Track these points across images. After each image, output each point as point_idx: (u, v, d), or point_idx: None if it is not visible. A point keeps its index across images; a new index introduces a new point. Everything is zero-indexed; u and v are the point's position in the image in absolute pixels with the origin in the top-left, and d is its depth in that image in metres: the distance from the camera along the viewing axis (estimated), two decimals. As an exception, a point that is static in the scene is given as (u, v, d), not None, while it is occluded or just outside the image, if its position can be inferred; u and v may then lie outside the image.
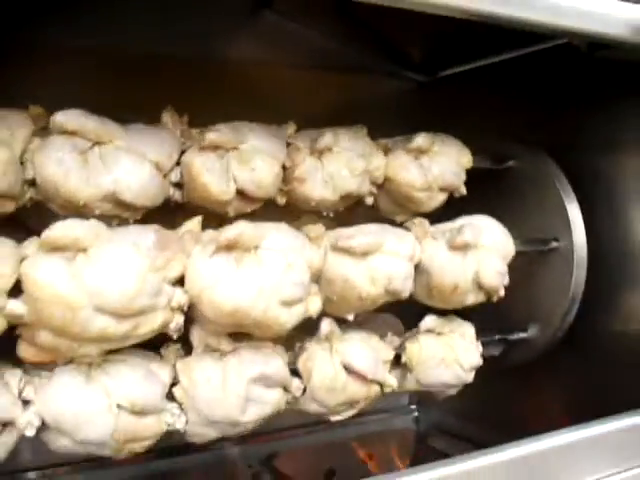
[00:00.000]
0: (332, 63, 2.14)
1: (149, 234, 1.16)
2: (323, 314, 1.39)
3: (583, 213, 1.77)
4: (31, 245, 1.11)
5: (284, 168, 1.46)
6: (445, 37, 1.93)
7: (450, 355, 1.55)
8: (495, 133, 1.89)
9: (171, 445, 1.35)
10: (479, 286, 1.53)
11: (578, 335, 1.85)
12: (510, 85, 1.99)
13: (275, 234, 1.24)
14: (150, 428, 1.19)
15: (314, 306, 1.29)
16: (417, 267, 1.47)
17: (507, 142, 1.88)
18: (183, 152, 1.37)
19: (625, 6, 1.38)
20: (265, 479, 1.97)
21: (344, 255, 1.35)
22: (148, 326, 1.14)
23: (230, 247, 1.17)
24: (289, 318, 1.23)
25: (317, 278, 1.33)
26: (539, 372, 1.96)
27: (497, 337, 1.78)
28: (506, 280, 1.58)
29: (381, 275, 1.37)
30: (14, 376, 1.15)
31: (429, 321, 1.60)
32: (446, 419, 2.24)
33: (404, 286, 1.41)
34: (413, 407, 2.33)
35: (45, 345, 1.11)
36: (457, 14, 1.19)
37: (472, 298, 1.55)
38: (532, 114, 1.95)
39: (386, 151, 1.62)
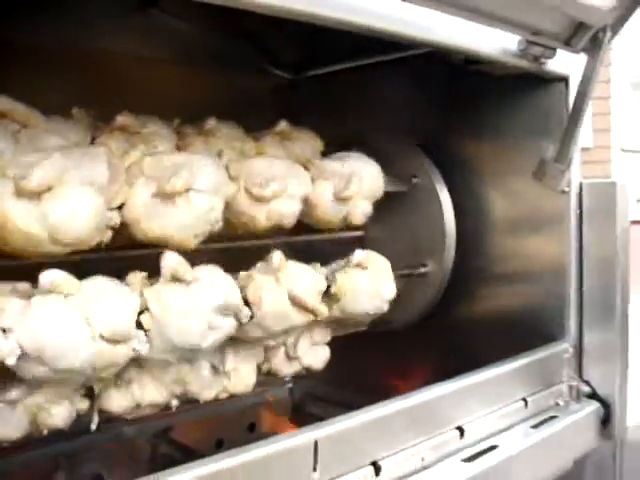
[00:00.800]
0: (209, 60, 2.27)
1: (102, 169, 1.33)
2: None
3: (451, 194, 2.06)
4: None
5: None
6: (317, 39, 2.09)
7: (373, 287, 1.76)
8: (371, 129, 2.09)
9: (73, 427, 1.41)
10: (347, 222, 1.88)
11: (444, 309, 2.16)
12: (385, 86, 2.22)
13: (205, 174, 1.47)
14: (122, 355, 1.30)
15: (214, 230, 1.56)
16: (306, 201, 1.77)
17: (383, 138, 2.12)
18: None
19: (496, 31, 1.66)
20: (163, 449, 2.08)
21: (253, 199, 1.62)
22: (85, 245, 1.35)
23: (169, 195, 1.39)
24: (197, 242, 1.52)
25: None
26: (406, 342, 2.23)
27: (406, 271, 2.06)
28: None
29: (277, 214, 1.67)
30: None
31: (358, 255, 1.80)
32: (318, 388, 2.44)
33: (291, 220, 1.73)
34: (287, 379, 2.51)
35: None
36: (316, 21, 1.36)
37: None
38: (406, 113, 2.21)
39: (256, 139, 1.82)
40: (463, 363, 1.83)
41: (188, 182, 1.42)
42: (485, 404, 1.77)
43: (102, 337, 1.24)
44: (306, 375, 1.93)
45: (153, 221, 1.42)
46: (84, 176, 1.31)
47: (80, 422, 1.45)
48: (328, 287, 1.73)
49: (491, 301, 2.20)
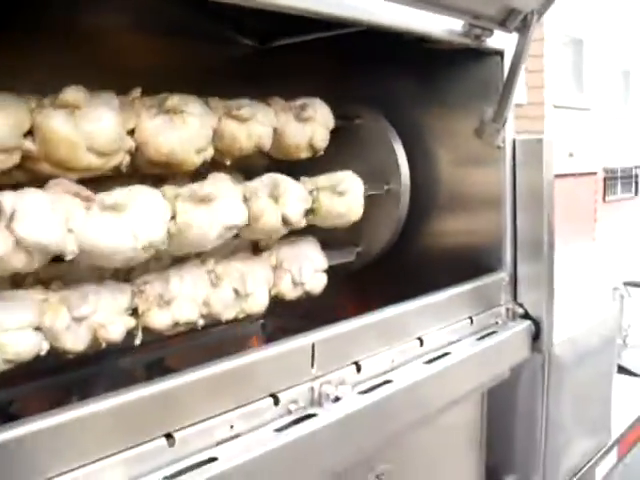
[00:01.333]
0: (177, 30, 2.52)
1: (114, 100, 1.74)
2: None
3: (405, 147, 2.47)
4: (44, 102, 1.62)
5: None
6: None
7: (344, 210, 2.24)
8: (334, 97, 2.44)
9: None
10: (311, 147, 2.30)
11: (399, 248, 2.57)
12: (345, 56, 2.57)
13: (192, 104, 1.90)
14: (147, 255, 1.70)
15: (209, 154, 1.98)
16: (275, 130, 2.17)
17: (348, 104, 2.50)
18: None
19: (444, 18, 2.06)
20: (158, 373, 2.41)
21: (234, 120, 2.03)
22: (113, 162, 1.73)
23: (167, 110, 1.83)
24: (197, 161, 1.92)
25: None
26: (368, 280, 2.63)
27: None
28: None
29: (256, 135, 2.10)
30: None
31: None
32: (289, 323, 2.79)
33: (267, 142, 2.15)
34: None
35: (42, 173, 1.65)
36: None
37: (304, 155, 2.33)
38: (365, 82, 2.59)
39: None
40: (419, 292, 2.24)
41: (180, 104, 1.86)
42: (439, 320, 2.19)
43: (142, 247, 1.63)
44: (277, 312, 2.30)
45: (160, 138, 1.81)
46: (102, 102, 1.69)
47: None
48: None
49: (439, 240, 2.63)
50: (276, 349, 1.72)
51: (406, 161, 2.51)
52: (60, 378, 2.27)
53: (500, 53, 2.38)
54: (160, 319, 1.80)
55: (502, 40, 2.34)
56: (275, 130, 2.17)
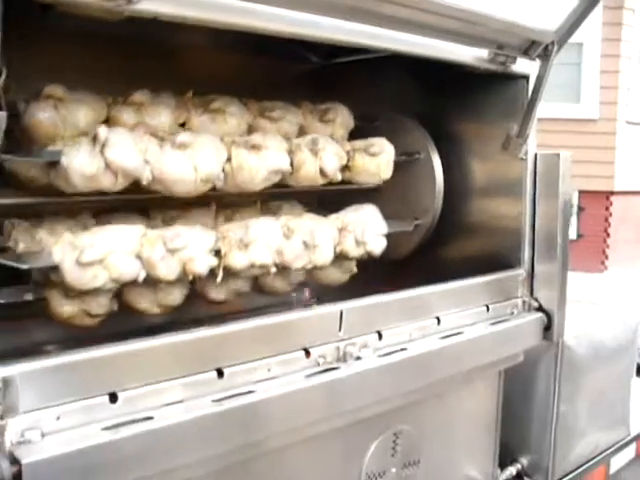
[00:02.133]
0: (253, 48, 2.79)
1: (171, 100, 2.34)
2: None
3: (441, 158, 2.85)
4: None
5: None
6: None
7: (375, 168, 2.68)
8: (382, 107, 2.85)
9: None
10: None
11: (431, 248, 2.96)
12: (395, 76, 2.96)
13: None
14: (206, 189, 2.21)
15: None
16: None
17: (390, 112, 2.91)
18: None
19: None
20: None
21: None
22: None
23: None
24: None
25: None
26: (400, 272, 2.99)
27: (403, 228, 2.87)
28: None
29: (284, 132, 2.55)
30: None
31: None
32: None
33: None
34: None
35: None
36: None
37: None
38: (411, 98, 2.98)
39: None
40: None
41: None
42: (457, 304, 2.56)
43: (201, 179, 2.11)
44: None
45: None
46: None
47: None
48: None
49: (466, 241, 3.01)
50: (311, 312, 2.12)
51: (439, 161, 2.93)
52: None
53: (526, 77, 2.73)
54: (239, 259, 2.22)
55: (527, 65, 2.69)
56: (301, 128, 2.61)
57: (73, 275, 1.93)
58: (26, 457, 1.46)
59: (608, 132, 13.05)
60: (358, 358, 2.13)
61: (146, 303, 2.24)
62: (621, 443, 3.67)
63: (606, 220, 13.45)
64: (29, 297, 2.04)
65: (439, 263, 2.98)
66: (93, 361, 1.66)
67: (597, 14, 11.94)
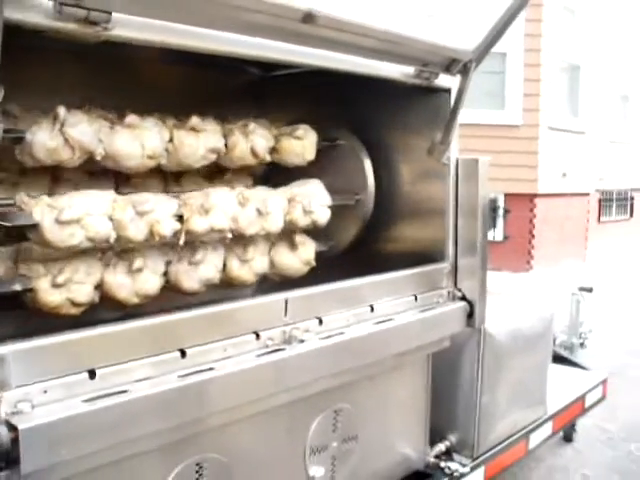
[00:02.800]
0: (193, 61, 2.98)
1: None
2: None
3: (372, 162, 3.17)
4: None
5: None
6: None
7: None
8: (317, 118, 3.15)
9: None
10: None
11: (363, 244, 3.26)
12: (330, 87, 3.23)
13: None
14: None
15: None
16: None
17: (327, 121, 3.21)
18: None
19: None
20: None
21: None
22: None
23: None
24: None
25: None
26: (339, 269, 3.27)
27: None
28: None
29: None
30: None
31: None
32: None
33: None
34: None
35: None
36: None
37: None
38: (344, 108, 3.28)
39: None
40: (378, 275, 2.92)
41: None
42: (389, 294, 2.86)
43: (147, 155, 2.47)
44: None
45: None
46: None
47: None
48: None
49: (397, 238, 3.34)
50: (260, 300, 2.39)
51: (372, 172, 3.23)
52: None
53: (448, 90, 3.05)
54: (200, 224, 2.53)
55: (449, 80, 3.01)
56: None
57: (52, 233, 2.19)
58: (21, 424, 1.69)
59: (531, 137, 13.63)
60: (302, 341, 2.41)
61: (126, 293, 2.48)
62: (539, 422, 4.02)
63: (530, 222, 14.03)
64: (17, 287, 2.25)
65: (372, 258, 3.28)
66: (74, 342, 1.91)
67: (519, 26, 12.50)
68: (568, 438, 5.34)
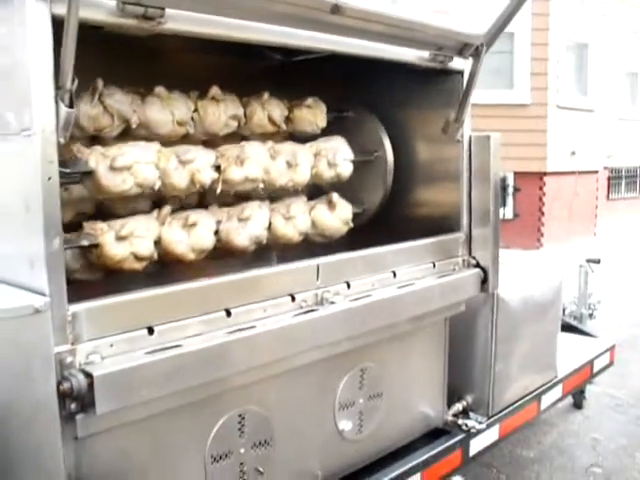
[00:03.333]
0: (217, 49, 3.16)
1: None
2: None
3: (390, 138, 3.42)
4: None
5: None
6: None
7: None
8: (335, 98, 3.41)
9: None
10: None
11: (385, 214, 3.50)
12: (350, 72, 3.46)
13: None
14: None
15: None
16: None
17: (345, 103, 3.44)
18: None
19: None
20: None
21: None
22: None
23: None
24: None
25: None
26: (363, 238, 3.51)
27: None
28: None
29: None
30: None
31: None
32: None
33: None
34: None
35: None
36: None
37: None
38: (364, 90, 3.51)
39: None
40: (398, 244, 3.16)
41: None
42: (410, 261, 3.10)
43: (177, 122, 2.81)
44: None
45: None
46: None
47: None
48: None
49: (415, 209, 3.58)
50: (295, 265, 2.64)
51: (389, 142, 3.49)
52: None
53: (461, 72, 3.27)
54: (236, 174, 2.80)
55: (462, 63, 3.23)
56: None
57: (107, 179, 2.46)
58: (95, 371, 1.95)
59: (540, 116, 13.77)
60: (332, 302, 2.66)
61: (183, 248, 2.70)
62: (550, 384, 4.26)
63: (540, 200, 14.19)
64: (85, 243, 2.48)
65: (394, 228, 3.50)
66: (135, 302, 2.17)
67: (527, 5, 12.62)
68: (578, 405, 5.55)
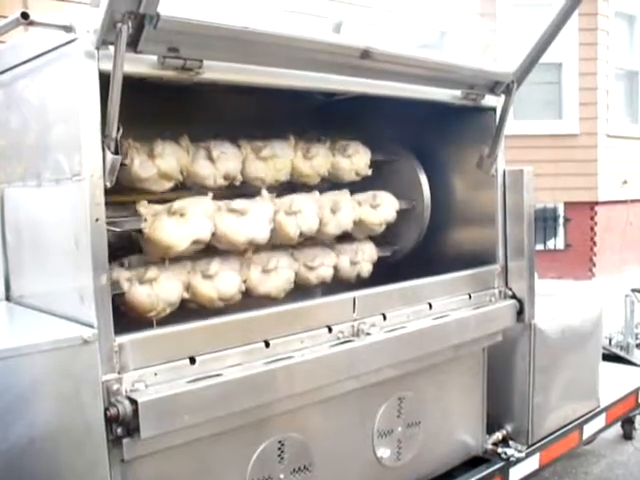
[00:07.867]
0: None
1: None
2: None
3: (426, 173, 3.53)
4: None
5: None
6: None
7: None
8: (375, 137, 3.53)
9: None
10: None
11: (422, 248, 3.61)
12: (391, 110, 3.58)
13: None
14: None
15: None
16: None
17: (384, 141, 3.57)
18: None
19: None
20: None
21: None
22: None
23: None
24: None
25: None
26: (400, 272, 3.62)
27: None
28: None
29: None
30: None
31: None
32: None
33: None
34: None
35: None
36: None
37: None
38: (396, 127, 3.64)
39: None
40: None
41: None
42: (445, 293, 3.20)
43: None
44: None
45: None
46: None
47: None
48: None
49: (452, 243, 3.68)
50: (332, 298, 2.76)
51: (427, 183, 3.58)
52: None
53: (493, 109, 3.38)
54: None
55: (494, 100, 3.34)
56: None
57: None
58: (140, 398, 2.09)
59: (589, 145, 13.71)
60: (368, 334, 2.77)
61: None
62: (592, 413, 4.28)
63: (592, 229, 14.08)
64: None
65: (430, 261, 3.61)
66: (178, 334, 2.31)
67: (574, 36, 12.67)
68: (628, 436, 5.52)
